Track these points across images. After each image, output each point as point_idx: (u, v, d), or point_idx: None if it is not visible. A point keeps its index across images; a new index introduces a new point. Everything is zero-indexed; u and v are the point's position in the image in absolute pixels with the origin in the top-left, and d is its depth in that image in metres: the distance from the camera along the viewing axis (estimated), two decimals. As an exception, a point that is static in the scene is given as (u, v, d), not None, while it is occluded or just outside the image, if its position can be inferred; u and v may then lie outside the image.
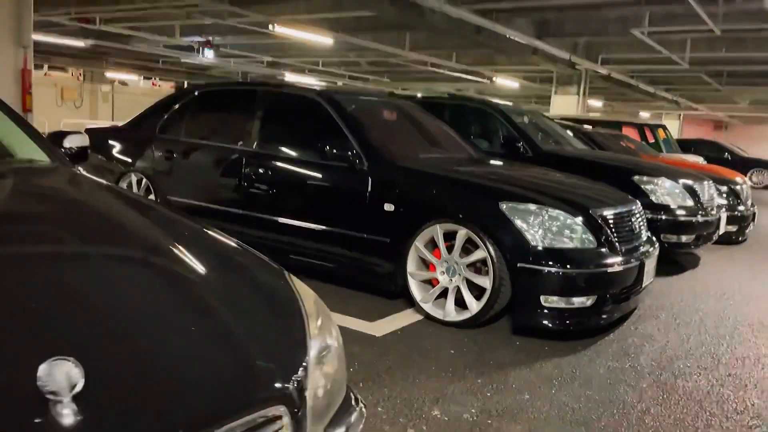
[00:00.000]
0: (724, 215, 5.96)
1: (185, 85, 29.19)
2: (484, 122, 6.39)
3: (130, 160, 4.97)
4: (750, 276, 5.55)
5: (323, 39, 11.03)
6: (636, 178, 5.41)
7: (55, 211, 1.56)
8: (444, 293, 3.57)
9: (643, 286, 3.73)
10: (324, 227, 3.98)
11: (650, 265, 3.78)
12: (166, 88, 30.40)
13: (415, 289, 3.66)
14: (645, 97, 20.04)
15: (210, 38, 13.54)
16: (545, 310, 3.30)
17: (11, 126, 2.20)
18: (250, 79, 21.76)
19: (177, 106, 4.89)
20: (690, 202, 5.46)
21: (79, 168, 2.15)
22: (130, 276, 1.32)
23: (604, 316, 3.47)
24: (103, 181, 2.02)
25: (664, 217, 5.25)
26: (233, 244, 1.62)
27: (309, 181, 4.12)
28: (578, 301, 3.32)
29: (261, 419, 1.11)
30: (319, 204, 4.07)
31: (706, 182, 5.91)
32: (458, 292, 3.50)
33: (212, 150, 4.57)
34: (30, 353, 0.88)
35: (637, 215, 3.99)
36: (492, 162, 4.74)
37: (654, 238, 4.21)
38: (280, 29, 9.84)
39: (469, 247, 3.47)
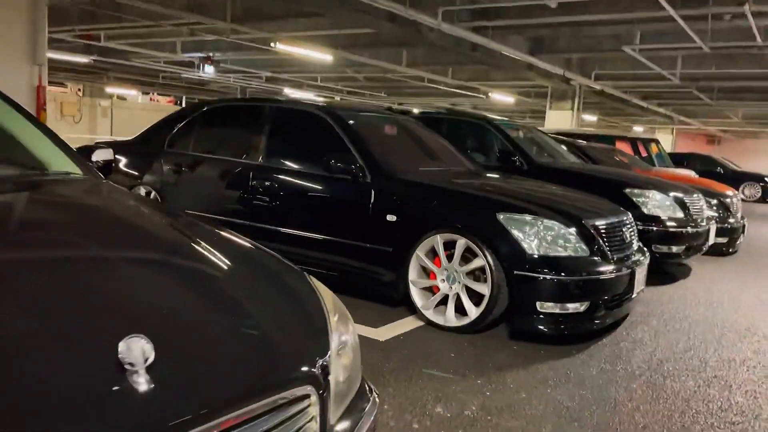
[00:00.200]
0: (713, 227, 6.15)
1: (183, 100, 29.51)
2: (480, 136, 6.59)
3: (138, 173, 5.13)
4: (739, 286, 5.74)
5: (323, 56, 11.27)
6: (627, 190, 5.60)
7: (100, 218, 1.73)
8: (444, 300, 3.73)
9: (635, 293, 3.90)
10: (328, 237, 4.14)
11: (641, 273, 3.96)
12: (164, 102, 30.70)
13: (417, 296, 3.82)
14: (638, 112, 20.39)
15: (210, 54, 13.78)
16: (541, 316, 3.47)
17: (45, 141, 2.37)
18: (248, 95, 22.03)
19: (186, 121, 5.06)
20: (680, 214, 5.65)
21: (109, 180, 2.33)
22: (176, 274, 1.49)
23: (596, 322, 3.64)
24: (134, 192, 2.19)
25: (654, 228, 5.44)
26: (259, 249, 1.79)
27: (314, 193, 4.29)
28: (572, 307, 3.49)
29: (293, 396, 1.27)
30: (324, 215, 4.24)
31: (695, 195, 6.11)
32: (458, 299, 3.67)
33: (220, 163, 4.74)
34: (110, 333, 1.05)
35: (628, 226, 4.17)
36: (489, 175, 4.92)
37: (645, 248, 4.40)
38: (281, 47, 10.06)
39: (468, 255, 3.64)
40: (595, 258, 3.62)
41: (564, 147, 7.43)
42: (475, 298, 3.62)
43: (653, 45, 10.25)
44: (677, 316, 4.47)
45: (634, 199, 5.51)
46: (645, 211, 5.47)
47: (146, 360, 1.02)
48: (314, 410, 1.32)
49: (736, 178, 17.71)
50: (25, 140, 2.32)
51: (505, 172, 5.38)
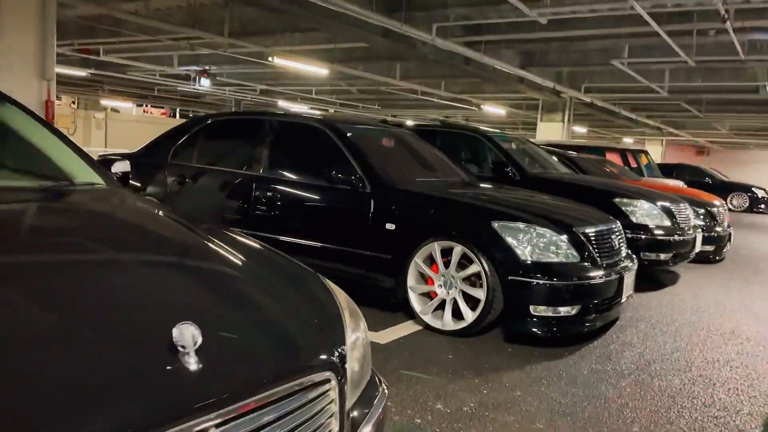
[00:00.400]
0: (699, 235, 6.35)
1: (177, 112, 29.64)
2: (474, 148, 6.78)
3: (141, 184, 5.26)
4: (725, 292, 5.93)
5: (319, 69, 11.48)
6: (617, 200, 5.80)
7: (132, 224, 1.89)
8: (442, 305, 3.89)
9: (624, 297, 4.08)
10: (329, 246, 4.30)
11: (629, 278, 4.14)
12: (157, 114, 30.83)
13: (415, 301, 3.98)
14: (628, 124, 20.72)
15: (207, 68, 13.96)
16: (534, 319, 3.64)
17: (70, 153, 2.53)
18: (243, 107, 22.20)
19: (190, 134, 5.21)
20: (667, 223, 5.85)
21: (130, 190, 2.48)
22: (209, 273, 1.65)
23: (587, 325, 3.81)
24: (156, 200, 2.35)
25: (643, 236, 5.63)
26: (276, 253, 1.96)
27: (315, 203, 4.45)
28: (564, 311, 3.66)
29: (316, 380, 1.43)
30: (325, 224, 4.39)
31: (682, 204, 6.32)
32: (455, 303, 3.83)
33: (224, 175, 4.89)
34: (164, 320, 1.21)
35: (617, 233, 4.35)
36: (483, 185, 5.10)
37: (633, 255, 4.58)
38: (279, 61, 10.26)
39: (464, 262, 3.81)
40: (586, 264, 3.79)
41: (555, 158, 7.64)
42: (471, 302, 3.78)
43: (641, 59, 10.55)
44: (665, 320, 4.65)
45: (623, 209, 5.71)
46: (634, 219, 5.66)
47: (195, 343, 1.17)
48: (333, 394, 1.48)
49: (725, 189, 18.03)
50: (53, 153, 2.48)
51: (498, 182, 5.57)
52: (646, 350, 3.87)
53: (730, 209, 16.09)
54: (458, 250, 3.80)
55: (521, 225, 3.76)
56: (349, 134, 4.56)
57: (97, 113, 25.50)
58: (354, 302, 1.93)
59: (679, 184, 10.57)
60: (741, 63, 10.08)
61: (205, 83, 14.58)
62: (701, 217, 7.23)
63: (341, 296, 1.84)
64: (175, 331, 1.17)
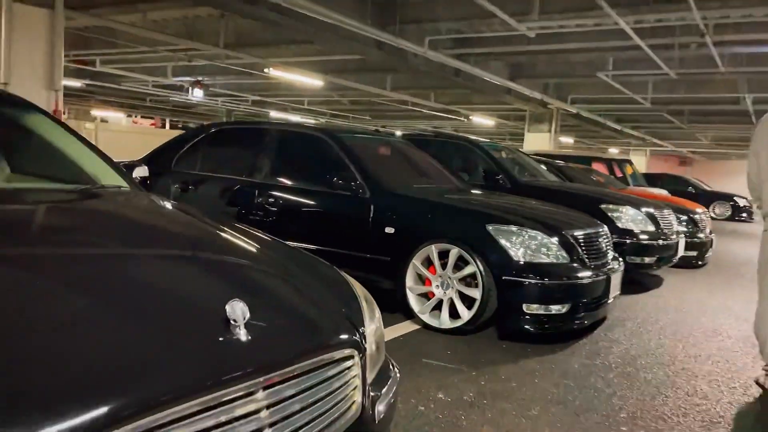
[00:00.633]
0: (682, 240, 6.62)
1: (167, 122, 29.68)
2: (466, 157, 7.01)
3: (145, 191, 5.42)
4: (707, 294, 6.19)
5: (314, 81, 11.70)
6: (603, 206, 6.04)
7: (167, 221, 2.08)
8: (439, 305, 4.09)
9: (611, 297, 4.30)
10: (331, 249, 4.47)
11: (616, 279, 4.36)
12: (146, 124, 30.84)
13: (414, 301, 4.17)
14: (613, 134, 21.14)
15: (200, 78, 14.14)
16: (527, 317, 3.84)
17: (96, 158, 2.70)
18: (234, 117, 22.36)
19: (193, 142, 5.39)
20: (651, 228, 6.10)
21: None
22: (245, 263, 1.86)
23: (577, 322, 4.03)
24: (176, 203, 2.54)
25: (628, 241, 5.87)
26: (296, 248, 2.16)
27: (317, 209, 4.64)
28: (555, 309, 3.86)
29: (342, 356, 1.61)
30: (326, 229, 4.58)
31: (666, 210, 6.58)
32: (452, 303, 4.02)
33: (227, 182, 5.06)
34: (218, 297, 1.40)
35: (604, 237, 4.58)
36: (476, 191, 5.32)
37: (619, 258, 4.81)
38: (275, 72, 10.47)
39: (460, 263, 4.01)
40: (575, 265, 4.01)
41: (543, 167, 7.90)
42: (468, 302, 3.98)
43: (625, 71, 10.88)
44: (650, 320, 4.88)
45: (610, 214, 5.95)
46: (619, 225, 5.90)
47: (245, 318, 1.36)
48: (357, 369, 1.67)
49: (707, 198, 18.45)
50: (81, 158, 2.66)
51: (489, 190, 5.79)
52: (632, 346, 4.09)
53: (712, 217, 16.47)
54: (455, 252, 4.00)
55: (514, 228, 3.97)
56: (348, 143, 4.76)
57: (87, 123, 25.50)
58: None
59: (663, 193, 10.89)
60: (721, 75, 10.44)
61: (199, 94, 14.74)
62: (684, 223, 7.50)
63: (357, 286, 2.03)
64: (228, 307, 1.36)
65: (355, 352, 1.66)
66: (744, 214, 19.22)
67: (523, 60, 11.60)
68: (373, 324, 1.91)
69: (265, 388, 1.33)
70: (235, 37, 10.29)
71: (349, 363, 1.64)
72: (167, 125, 29.75)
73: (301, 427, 1.38)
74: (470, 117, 18.62)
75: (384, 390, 1.87)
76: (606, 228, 4.75)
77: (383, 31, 8.02)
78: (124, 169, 2.75)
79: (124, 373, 1.16)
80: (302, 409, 1.40)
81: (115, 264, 1.60)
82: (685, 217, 7.61)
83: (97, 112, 23.94)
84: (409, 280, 4.17)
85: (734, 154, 30.16)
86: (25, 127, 2.71)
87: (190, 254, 1.82)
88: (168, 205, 2.42)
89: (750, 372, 3.70)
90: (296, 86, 14.28)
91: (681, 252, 6.54)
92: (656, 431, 2.76)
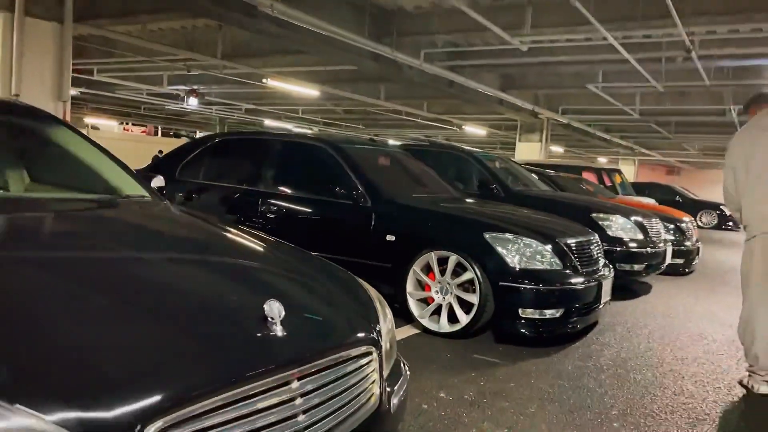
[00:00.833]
0: (669, 248, 6.83)
1: (159, 130, 29.71)
2: (461, 167, 7.20)
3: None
4: (694, 300, 6.40)
5: (310, 91, 11.88)
6: (594, 215, 6.24)
7: (194, 228, 2.24)
8: (438, 310, 4.25)
9: (602, 302, 4.48)
10: (333, 256, 4.61)
11: (607, 285, 4.55)
12: (137, 132, 30.89)
13: (414, 306, 4.33)
14: (602, 144, 21.49)
15: (196, 87, 14.28)
16: (523, 321, 4.01)
17: (117, 169, 2.85)
18: (227, 126, 22.48)
19: (196, 152, 5.53)
20: (640, 236, 6.31)
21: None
22: (270, 269, 2.03)
23: (570, 326, 4.21)
24: (198, 212, 2.70)
25: (618, 248, 6.07)
26: (315, 255, 2.32)
27: (319, 217, 4.80)
28: (549, 313, 4.04)
29: (361, 352, 1.78)
30: (329, 236, 4.73)
31: (654, 219, 6.79)
32: (450, 308, 4.19)
33: (230, 190, 5.21)
34: (256, 299, 1.56)
35: (595, 244, 4.77)
36: (471, 200, 5.50)
37: (610, 265, 5.00)
38: (273, 83, 10.64)
39: (458, 270, 4.18)
40: (568, 271, 4.19)
41: (535, 176, 8.10)
42: (466, 307, 4.14)
43: (614, 83, 11.16)
44: (639, 324, 5.07)
45: (600, 223, 6.15)
46: (609, 233, 6.11)
47: (281, 315, 1.52)
48: (375, 364, 1.83)
49: (694, 207, 18.73)
50: (106, 170, 2.81)
51: (484, 199, 5.97)
52: (623, 350, 4.27)
53: (699, 226, 16.79)
54: (453, 259, 4.17)
55: (510, 236, 4.15)
56: (350, 153, 4.92)
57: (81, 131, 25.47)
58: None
59: (651, 202, 11.14)
60: (705, 88, 10.74)
61: (194, 102, 14.88)
62: (671, 232, 7.72)
63: (371, 289, 2.20)
64: (266, 306, 1.52)
65: (373, 349, 1.83)
66: (730, 223, 19.52)
67: (515, 72, 11.86)
68: (386, 324, 2.07)
69: (299, 379, 1.49)
70: (232, 47, 10.46)
71: (368, 358, 1.80)
72: (159, 133, 29.80)
73: (329, 414, 1.54)
74: (462, 126, 18.87)
75: (396, 386, 2.04)
76: (597, 236, 4.94)
77: (380, 44, 8.21)
78: (145, 180, 2.89)
79: (180, 364, 1.31)
80: (330, 398, 1.56)
81: (158, 269, 1.76)
82: (672, 226, 7.83)
83: (90, 120, 23.96)
84: (410, 286, 4.33)
85: (721, 164, 30.44)
86: (52, 139, 2.85)
87: (223, 260, 1.99)
88: (191, 215, 2.57)
89: (734, 374, 3.90)
90: (291, 95, 14.46)
91: (668, 260, 6.75)
92: (645, 427, 2.94)
